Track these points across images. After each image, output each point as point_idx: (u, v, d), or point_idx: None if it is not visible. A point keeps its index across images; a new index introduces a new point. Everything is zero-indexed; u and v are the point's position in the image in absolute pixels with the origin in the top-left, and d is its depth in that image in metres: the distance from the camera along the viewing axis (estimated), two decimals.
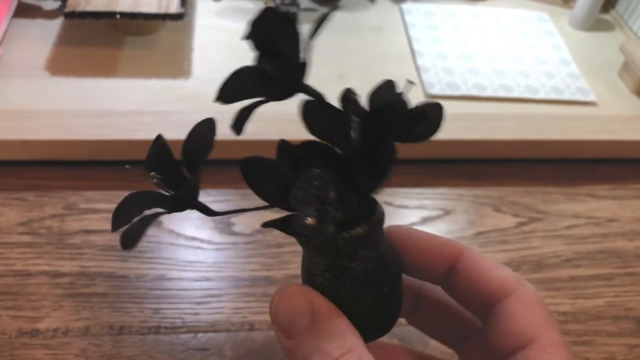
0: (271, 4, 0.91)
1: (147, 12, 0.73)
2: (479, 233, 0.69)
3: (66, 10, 0.72)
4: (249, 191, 0.69)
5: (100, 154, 0.69)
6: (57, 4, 0.83)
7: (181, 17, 0.74)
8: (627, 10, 0.97)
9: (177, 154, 0.68)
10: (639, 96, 0.83)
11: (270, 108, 0.75)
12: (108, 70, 0.77)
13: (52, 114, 0.69)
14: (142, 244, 0.63)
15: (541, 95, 0.81)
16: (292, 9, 0.88)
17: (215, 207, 0.68)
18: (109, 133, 0.68)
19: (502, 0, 1.00)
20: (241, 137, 0.71)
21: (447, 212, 0.71)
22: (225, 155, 0.72)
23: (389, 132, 0.32)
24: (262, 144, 0.70)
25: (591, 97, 0.82)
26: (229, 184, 0.70)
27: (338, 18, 0.92)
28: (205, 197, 0.69)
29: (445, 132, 0.74)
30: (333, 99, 0.77)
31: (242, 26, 0.87)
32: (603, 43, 0.93)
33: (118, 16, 0.72)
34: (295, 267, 0.63)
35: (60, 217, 0.65)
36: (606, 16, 0.99)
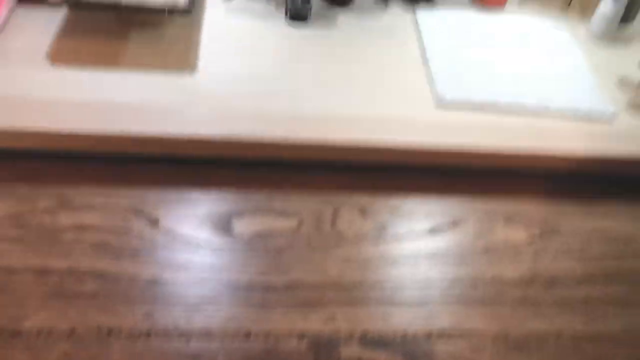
0: (281, 8, 0.89)
1: (154, 6, 0.71)
2: (490, 246, 0.66)
3: None
4: (248, 191, 0.67)
5: (98, 147, 0.66)
6: None
7: (189, 12, 0.72)
8: None
9: (179, 150, 0.65)
10: None
11: (274, 107, 0.73)
12: (111, 62, 0.74)
13: (50, 104, 0.67)
14: (137, 242, 0.60)
15: (557, 107, 0.78)
16: (304, 10, 0.85)
17: (214, 207, 0.65)
18: (108, 126, 0.66)
19: (517, 10, 0.98)
20: (241, 137, 0.68)
21: (456, 223, 0.68)
22: (226, 155, 0.69)
23: None
24: (266, 145, 0.68)
25: (609, 110, 0.79)
26: (229, 184, 0.67)
27: (351, 22, 0.89)
28: (204, 196, 0.66)
29: (458, 140, 0.71)
30: (342, 98, 0.75)
31: (249, 24, 0.85)
32: (622, 55, 0.90)
33: (122, 11, 0.70)
34: (295, 273, 0.60)
35: (53, 211, 0.62)
36: (625, 29, 0.97)
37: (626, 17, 0.95)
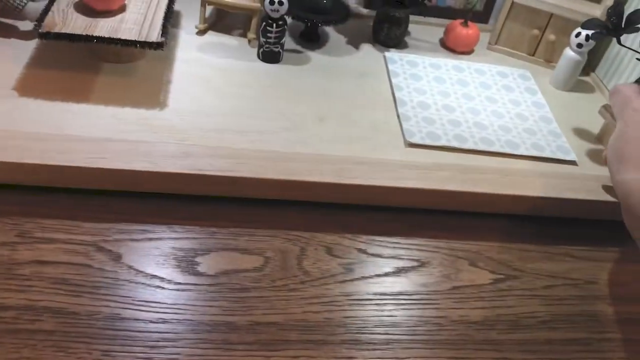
0: (255, 42, 0.90)
1: (126, 39, 0.71)
2: (455, 287, 0.66)
3: (41, 30, 0.69)
4: (215, 228, 0.66)
5: (62, 180, 0.65)
6: (33, 25, 0.80)
7: (161, 47, 0.72)
8: (606, 74, 0.98)
9: (143, 186, 0.65)
10: None
11: (243, 145, 0.73)
12: (81, 95, 0.74)
13: (15, 136, 0.66)
14: (98, 278, 0.59)
15: (522, 151, 0.80)
16: (276, 49, 0.86)
17: (178, 243, 0.65)
18: (73, 159, 0.65)
19: (485, 56, 1.01)
20: (210, 173, 0.68)
21: (422, 264, 0.68)
22: (193, 191, 0.69)
23: None
24: (233, 182, 0.68)
25: (571, 156, 0.81)
26: (195, 220, 0.66)
27: (323, 61, 0.91)
28: (171, 233, 0.65)
29: (424, 182, 0.72)
30: (313, 140, 0.76)
31: (222, 61, 0.86)
32: (583, 104, 0.94)
33: (95, 41, 0.70)
34: (260, 313, 0.59)
35: (12, 245, 0.60)
36: (587, 78, 1.00)
37: (589, 66, 0.99)
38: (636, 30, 0.77)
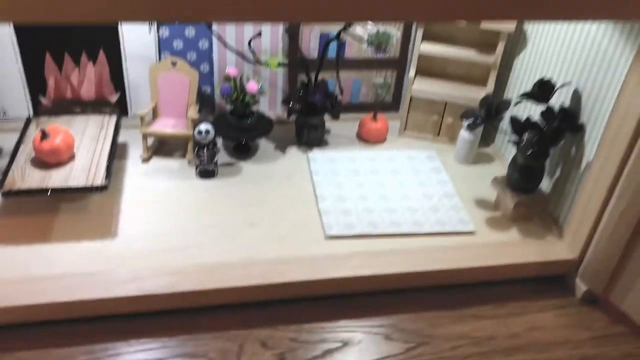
0: (193, 164, 1.04)
1: (75, 186, 0.85)
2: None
3: (3, 190, 0.83)
4: (166, 338, 0.78)
5: (32, 316, 0.77)
6: None
7: (105, 189, 0.86)
8: (502, 145, 1.13)
9: (100, 311, 0.77)
10: (510, 224, 0.96)
11: (183, 261, 0.86)
12: (43, 236, 0.87)
13: None
14: None
15: (426, 228, 0.93)
16: (210, 167, 1.01)
17: (137, 357, 0.76)
18: (40, 297, 0.77)
19: (396, 142, 1.16)
20: (155, 292, 0.80)
21: (345, 344, 0.80)
22: (143, 309, 0.81)
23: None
24: (176, 297, 0.80)
25: (470, 227, 0.95)
26: (147, 333, 0.78)
27: (254, 170, 1.05)
28: (128, 348, 0.77)
29: (341, 270, 0.85)
30: (244, 244, 0.88)
31: (165, 184, 1.00)
32: (484, 175, 1.08)
33: (49, 193, 0.83)
34: None
35: None
36: (487, 150, 1.15)
37: (489, 137, 1.14)
38: (501, 118, 0.92)
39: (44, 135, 0.90)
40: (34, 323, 0.78)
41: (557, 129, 0.89)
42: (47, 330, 0.78)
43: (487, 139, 1.13)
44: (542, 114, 0.90)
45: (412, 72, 1.11)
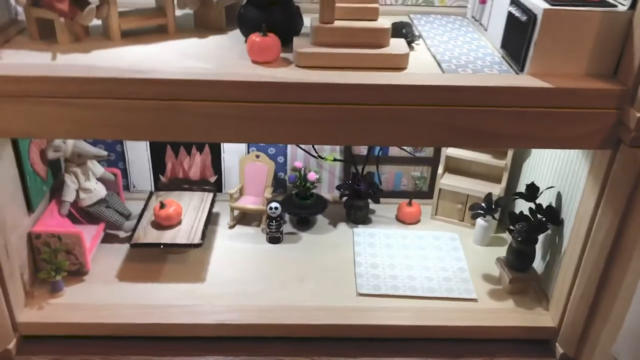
0: (265, 232, 1.37)
1: (180, 243, 1.20)
2: None
3: (132, 242, 1.19)
4: (232, 359, 1.11)
5: (142, 332, 1.11)
6: (127, 234, 1.31)
7: (200, 246, 1.20)
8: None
9: (190, 332, 1.11)
10: (507, 295, 1.20)
11: (250, 301, 1.17)
12: (155, 277, 1.22)
13: (114, 308, 1.13)
14: None
15: (437, 294, 1.19)
16: (277, 235, 1.33)
17: None
18: (148, 319, 1.11)
19: (428, 224, 1.43)
20: (229, 322, 1.12)
21: None
22: (221, 334, 1.12)
23: None
24: (243, 328, 1.11)
25: (473, 295, 1.19)
26: (222, 353, 1.09)
27: (310, 239, 1.36)
28: None
29: (366, 320, 1.14)
30: (295, 298, 1.22)
31: (243, 246, 1.33)
32: (494, 255, 1.32)
33: (162, 246, 1.19)
34: None
35: None
36: (503, 235, 1.40)
37: (505, 224, 1.38)
38: (498, 211, 1.19)
39: (162, 205, 1.27)
40: (142, 337, 1.11)
41: (541, 222, 1.14)
42: (150, 343, 1.11)
43: (503, 224, 1.38)
44: (530, 210, 1.16)
45: (440, 169, 1.40)
